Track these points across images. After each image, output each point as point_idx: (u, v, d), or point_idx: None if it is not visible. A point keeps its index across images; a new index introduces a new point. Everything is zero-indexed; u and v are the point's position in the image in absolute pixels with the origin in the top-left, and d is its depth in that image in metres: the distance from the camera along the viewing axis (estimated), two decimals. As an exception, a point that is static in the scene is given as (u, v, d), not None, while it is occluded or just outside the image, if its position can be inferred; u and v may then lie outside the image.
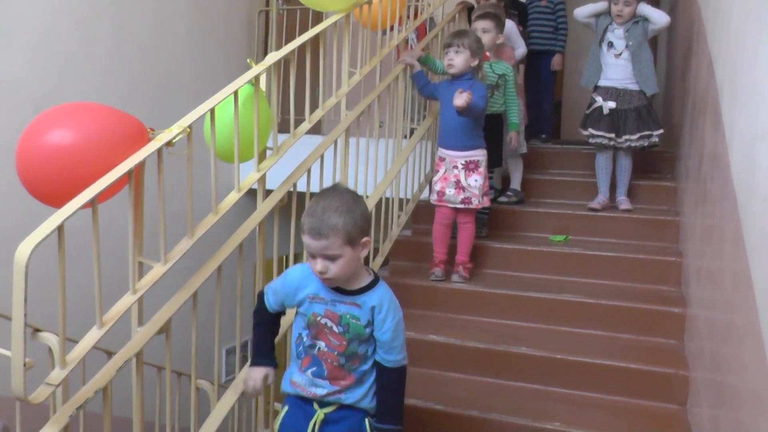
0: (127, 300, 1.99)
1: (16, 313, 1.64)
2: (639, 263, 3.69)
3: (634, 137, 4.14)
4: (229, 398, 2.47)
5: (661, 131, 4.18)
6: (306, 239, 1.90)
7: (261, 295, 2.17)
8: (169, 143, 2.03)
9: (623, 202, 4.23)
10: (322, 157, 3.02)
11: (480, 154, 3.67)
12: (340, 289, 2.00)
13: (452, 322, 3.54)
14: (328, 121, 3.12)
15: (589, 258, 3.76)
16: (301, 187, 2.91)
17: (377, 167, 3.64)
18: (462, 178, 3.64)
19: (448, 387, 3.17)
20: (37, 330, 2.04)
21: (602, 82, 4.25)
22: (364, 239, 1.95)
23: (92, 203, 1.81)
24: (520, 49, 4.76)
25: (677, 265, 3.63)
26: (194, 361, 2.37)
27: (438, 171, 3.73)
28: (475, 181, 3.63)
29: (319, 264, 1.90)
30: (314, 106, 3.01)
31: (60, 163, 1.88)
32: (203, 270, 2.31)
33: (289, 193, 2.80)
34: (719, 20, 2.81)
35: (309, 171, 2.91)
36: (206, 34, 5.10)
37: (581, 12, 4.32)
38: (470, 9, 4.93)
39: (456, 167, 3.65)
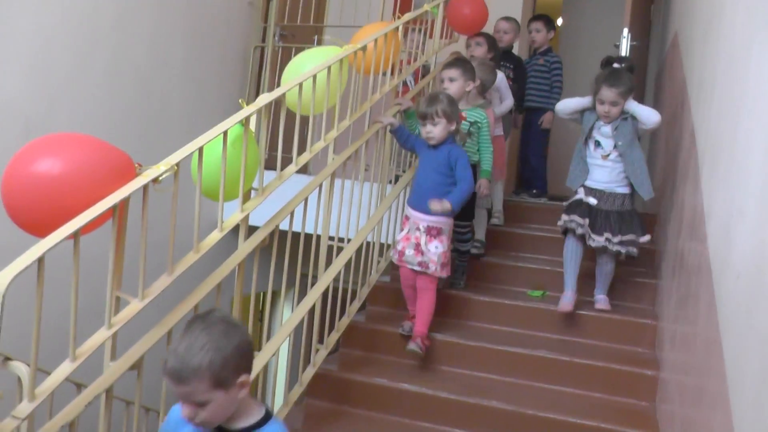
0: (102, 335, 1.99)
1: (-11, 344, 1.63)
2: (614, 323, 3.72)
3: (616, 239, 3.66)
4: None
5: (647, 237, 3.73)
6: (167, 382, 1.61)
7: None
8: (155, 180, 2.04)
9: (601, 301, 3.84)
10: (306, 199, 3.04)
11: (444, 222, 3.53)
12: (222, 427, 1.69)
13: (425, 371, 3.53)
14: (314, 160, 3.14)
15: (564, 315, 3.77)
16: (284, 226, 2.94)
17: (360, 211, 3.66)
18: (423, 242, 3.51)
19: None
20: (7, 358, 2.02)
21: (588, 183, 3.78)
22: (242, 378, 1.63)
23: (75, 236, 1.82)
24: (507, 101, 4.78)
25: (652, 328, 3.66)
26: (164, 399, 2.35)
27: (403, 229, 3.65)
28: (436, 248, 3.50)
29: (186, 410, 1.61)
30: (302, 147, 3.03)
31: (46, 193, 1.88)
32: (180, 308, 2.30)
33: (272, 234, 2.81)
34: (703, 95, 2.87)
35: (292, 213, 2.93)
36: (202, 65, 5.13)
37: (564, 108, 3.88)
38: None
39: (419, 229, 3.54)
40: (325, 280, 3.27)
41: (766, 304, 1.46)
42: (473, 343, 3.60)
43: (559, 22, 8.35)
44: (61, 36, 3.90)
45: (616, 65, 3.86)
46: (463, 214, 3.80)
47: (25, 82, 3.72)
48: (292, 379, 3.24)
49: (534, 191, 5.60)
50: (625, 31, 5.27)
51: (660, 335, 3.52)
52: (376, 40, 3.52)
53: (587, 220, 3.69)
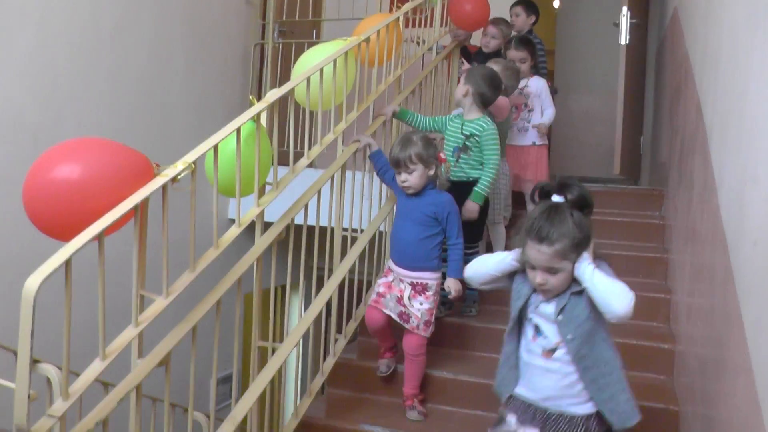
0: (129, 333, 2.02)
1: (23, 346, 1.66)
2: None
3: None
4: (225, 430, 2.50)
5: None
6: None
7: None
8: (174, 179, 2.07)
9: None
10: (319, 192, 3.07)
11: (431, 277, 3.16)
12: None
13: (445, 356, 3.56)
14: (322, 153, 3.16)
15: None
16: (299, 220, 2.97)
17: (372, 202, 3.69)
18: (405, 297, 3.15)
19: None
20: (35, 361, 2.05)
21: (520, 392, 2.27)
22: None
23: (99, 237, 1.85)
24: (548, 110, 4.54)
25: (666, 302, 3.68)
26: (192, 395, 2.38)
27: (386, 275, 3.28)
28: (420, 304, 3.13)
29: None
30: (311, 141, 3.06)
31: (69, 198, 1.91)
32: (203, 303, 2.34)
33: (287, 227, 2.85)
34: (707, 65, 2.89)
35: (306, 206, 2.96)
36: (203, 66, 5.16)
37: (475, 274, 2.36)
38: (464, 47, 5.00)
39: (402, 281, 3.19)
40: (341, 271, 3.30)
41: (784, 268, 1.48)
42: (494, 326, 3.63)
43: (556, 4, 8.34)
44: (63, 47, 3.94)
45: (555, 198, 2.18)
46: (470, 235, 3.49)
47: (31, 95, 3.77)
48: (312, 370, 3.28)
49: None
50: (624, 9, 5.26)
51: (675, 309, 3.54)
52: (378, 32, 3.54)
53: None
